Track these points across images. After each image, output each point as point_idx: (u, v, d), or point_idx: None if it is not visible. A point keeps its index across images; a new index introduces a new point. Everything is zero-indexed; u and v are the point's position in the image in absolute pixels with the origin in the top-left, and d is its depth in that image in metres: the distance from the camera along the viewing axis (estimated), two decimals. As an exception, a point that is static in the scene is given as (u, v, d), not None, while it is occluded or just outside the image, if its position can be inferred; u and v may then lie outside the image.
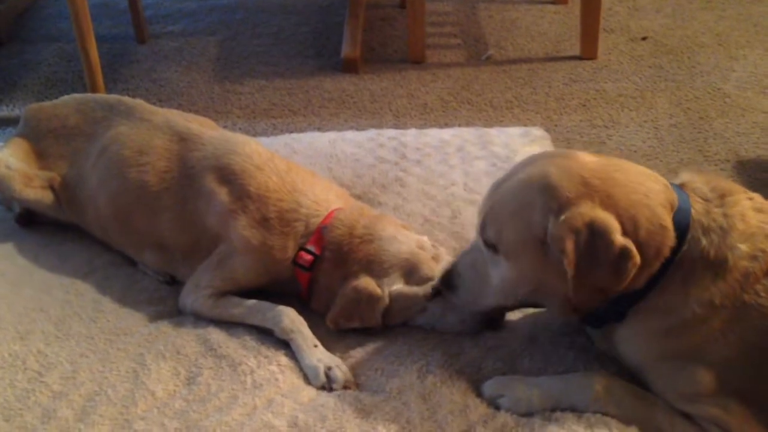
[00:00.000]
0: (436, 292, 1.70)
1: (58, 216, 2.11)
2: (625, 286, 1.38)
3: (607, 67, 3.28)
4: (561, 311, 1.47)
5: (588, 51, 3.33)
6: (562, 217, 1.35)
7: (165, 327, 1.78)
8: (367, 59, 3.39)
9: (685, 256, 1.39)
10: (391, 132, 2.62)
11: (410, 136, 2.57)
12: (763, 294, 1.37)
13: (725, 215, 1.41)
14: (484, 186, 2.27)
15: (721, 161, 2.61)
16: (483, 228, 1.51)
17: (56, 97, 2.28)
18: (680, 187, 1.48)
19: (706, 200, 1.44)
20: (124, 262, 2.02)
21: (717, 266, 1.38)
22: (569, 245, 1.34)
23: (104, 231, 2.04)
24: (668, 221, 1.38)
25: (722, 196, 1.44)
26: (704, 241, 1.39)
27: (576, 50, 3.39)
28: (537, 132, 2.60)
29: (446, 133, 2.59)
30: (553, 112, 2.96)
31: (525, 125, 2.78)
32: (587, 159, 1.45)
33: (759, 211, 1.43)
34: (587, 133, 2.81)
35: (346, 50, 3.33)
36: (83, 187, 2.04)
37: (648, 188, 1.41)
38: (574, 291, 1.38)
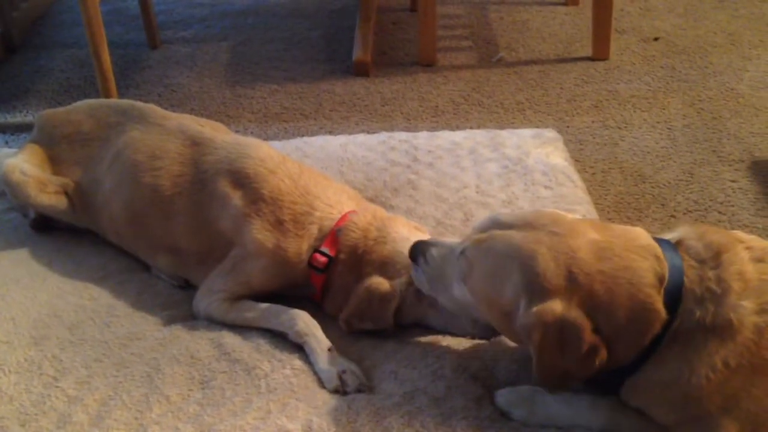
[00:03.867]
0: None
1: (72, 221, 2.12)
2: (604, 367, 1.36)
3: (619, 68, 3.27)
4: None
5: (600, 52, 3.32)
6: (534, 309, 1.34)
7: (179, 331, 1.78)
8: (378, 63, 3.40)
9: (680, 329, 1.35)
10: (403, 135, 2.61)
11: (422, 138, 2.57)
12: None
13: (719, 279, 1.36)
14: (496, 188, 2.28)
15: (736, 161, 2.59)
16: (463, 251, 1.48)
17: (69, 103, 2.29)
18: (675, 246, 1.43)
19: (701, 261, 1.39)
20: (137, 266, 2.03)
21: (720, 330, 1.33)
22: (537, 336, 1.34)
23: (118, 235, 2.05)
24: (655, 300, 1.34)
25: (718, 254, 1.39)
26: (698, 312, 1.35)
27: (588, 51, 3.38)
28: (549, 134, 2.59)
29: (458, 136, 2.59)
30: (565, 114, 2.95)
31: (537, 127, 2.78)
32: (583, 244, 1.37)
33: (759, 261, 1.38)
34: (600, 135, 2.80)
35: (358, 54, 3.33)
36: (97, 192, 2.05)
37: (634, 271, 1.36)
38: (537, 371, 1.38)
